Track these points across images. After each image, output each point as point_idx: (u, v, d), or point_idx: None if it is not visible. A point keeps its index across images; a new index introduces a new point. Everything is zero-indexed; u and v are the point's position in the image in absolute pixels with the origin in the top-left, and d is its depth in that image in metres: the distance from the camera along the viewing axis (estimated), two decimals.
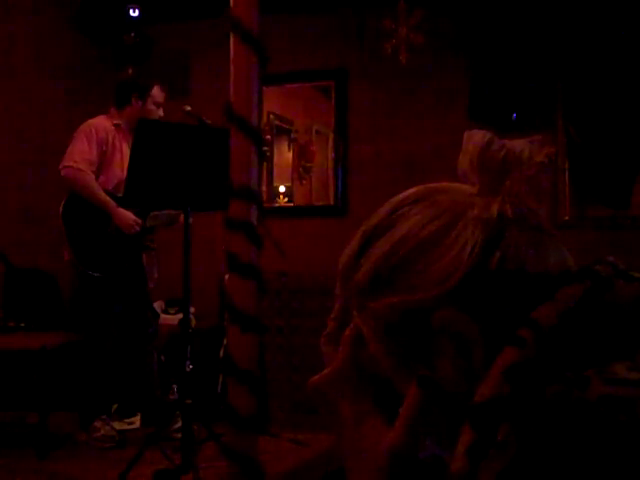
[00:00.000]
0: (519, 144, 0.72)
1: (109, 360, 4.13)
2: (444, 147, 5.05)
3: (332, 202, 5.35)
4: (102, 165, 4.09)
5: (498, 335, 0.65)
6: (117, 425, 4.16)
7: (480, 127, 0.73)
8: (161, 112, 4.20)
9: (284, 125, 5.51)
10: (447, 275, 0.67)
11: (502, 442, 0.60)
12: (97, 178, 4.08)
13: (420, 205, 0.72)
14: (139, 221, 4.03)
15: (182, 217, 4.01)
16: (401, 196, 0.76)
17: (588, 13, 4.44)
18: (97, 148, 4.06)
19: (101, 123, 4.14)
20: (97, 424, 4.06)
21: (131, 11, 5.25)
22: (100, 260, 4.06)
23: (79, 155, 4.02)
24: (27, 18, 5.29)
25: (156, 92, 4.18)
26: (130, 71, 5.31)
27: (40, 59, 5.34)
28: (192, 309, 4.34)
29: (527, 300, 0.66)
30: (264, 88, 5.26)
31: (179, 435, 3.49)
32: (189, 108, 3.94)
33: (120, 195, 4.02)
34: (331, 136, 5.37)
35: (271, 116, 5.44)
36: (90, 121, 4.14)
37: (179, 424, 3.62)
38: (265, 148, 5.20)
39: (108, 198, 4.03)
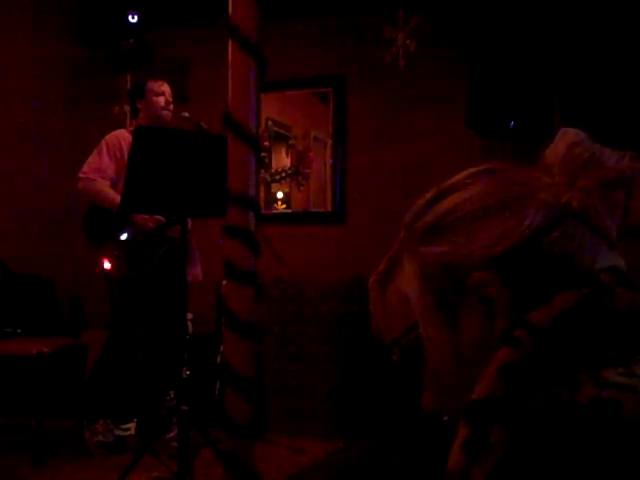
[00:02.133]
0: (608, 152, 0.74)
1: (127, 365, 4.13)
2: (442, 154, 5.06)
3: (330, 209, 5.35)
4: (121, 171, 4.15)
5: (523, 312, 0.67)
6: (116, 432, 4.16)
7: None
8: (168, 97, 4.25)
9: (282, 131, 5.51)
10: (496, 241, 0.70)
11: (494, 442, 0.60)
12: (118, 184, 4.13)
13: (495, 177, 0.76)
14: (155, 216, 4.05)
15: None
16: (482, 166, 0.79)
17: (588, 20, 4.45)
18: (109, 156, 4.17)
19: (114, 134, 4.28)
20: (98, 426, 4.06)
21: (130, 17, 5.25)
22: (128, 260, 4.07)
23: (88, 166, 4.15)
24: (26, 24, 5.29)
25: (151, 85, 4.25)
26: (129, 77, 5.33)
27: (39, 65, 5.34)
28: (189, 315, 4.33)
29: (561, 288, 0.68)
30: (262, 94, 5.24)
31: (175, 444, 3.48)
32: (187, 114, 3.95)
33: None
34: (329, 143, 5.37)
35: (269, 122, 5.45)
36: (104, 137, 4.26)
37: (174, 432, 3.62)
38: (263, 154, 5.20)
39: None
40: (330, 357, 4.70)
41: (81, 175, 4.12)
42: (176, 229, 4.11)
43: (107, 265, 4.01)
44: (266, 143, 5.36)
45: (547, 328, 0.65)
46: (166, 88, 4.27)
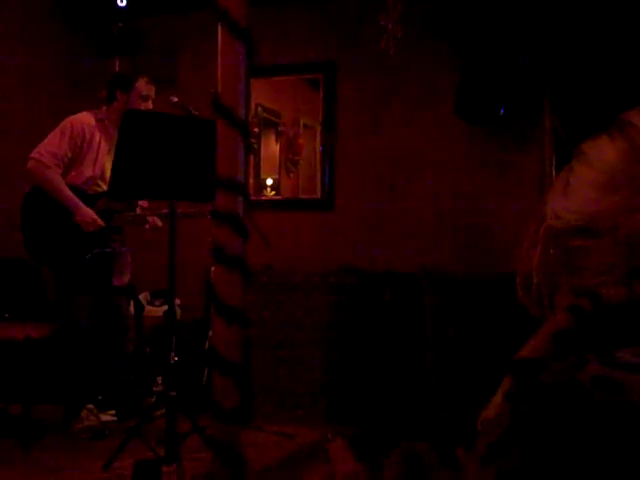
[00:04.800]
0: None
1: (83, 353, 4.12)
2: (431, 141, 5.06)
3: (319, 195, 5.34)
4: (75, 160, 4.10)
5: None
6: (101, 417, 4.16)
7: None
8: (149, 105, 4.17)
9: (272, 118, 5.50)
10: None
11: (499, 414, 0.61)
12: (69, 172, 4.09)
13: None
14: (98, 221, 4.03)
15: (152, 219, 4.06)
16: None
17: (578, 9, 4.45)
18: (69, 143, 4.07)
19: (81, 118, 4.16)
20: (83, 414, 4.07)
21: (118, 1, 5.21)
22: (53, 253, 4.06)
23: (45, 148, 4.04)
24: (15, 6, 5.25)
25: (141, 85, 4.15)
26: (117, 62, 5.29)
27: (27, 48, 5.30)
28: (177, 301, 4.33)
29: None
30: (252, 80, 5.22)
31: (159, 414, 3.49)
32: (176, 99, 3.93)
33: (88, 193, 4.08)
34: (319, 129, 5.36)
35: (259, 108, 5.43)
36: (71, 116, 4.16)
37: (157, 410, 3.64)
38: (252, 140, 5.19)
39: (70, 194, 4.03)
40: (319, 344, 4.71)
41: (35, 156, 4.02)
42: (112, 238, 4.12)
43: None
44: (256, 129, 5.35)
45: (615, 307, 0.64)
46: (153, 93, 4.18)
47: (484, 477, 0.59)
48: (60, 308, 4.22)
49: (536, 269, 0.75)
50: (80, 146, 4.09)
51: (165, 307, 4.24)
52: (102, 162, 4.13)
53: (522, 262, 0.77)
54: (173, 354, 3.54)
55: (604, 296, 0.65)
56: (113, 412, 4.27)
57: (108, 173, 3.98)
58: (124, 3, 5.23)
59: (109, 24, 5.30)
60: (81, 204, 4.02)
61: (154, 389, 4.49)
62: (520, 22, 4.54)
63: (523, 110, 4.75)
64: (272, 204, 5.37)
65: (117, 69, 5.31)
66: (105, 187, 4.10)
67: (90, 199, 4.07)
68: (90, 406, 4.09)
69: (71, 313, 4.12)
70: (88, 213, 4.02)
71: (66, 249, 4.05)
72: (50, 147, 4.04)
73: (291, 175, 5.48)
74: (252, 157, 5.29)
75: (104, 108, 4.23)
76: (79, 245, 4.04)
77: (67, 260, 4.05)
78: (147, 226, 4.15)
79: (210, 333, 4.61)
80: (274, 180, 5.48)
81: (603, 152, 0.73)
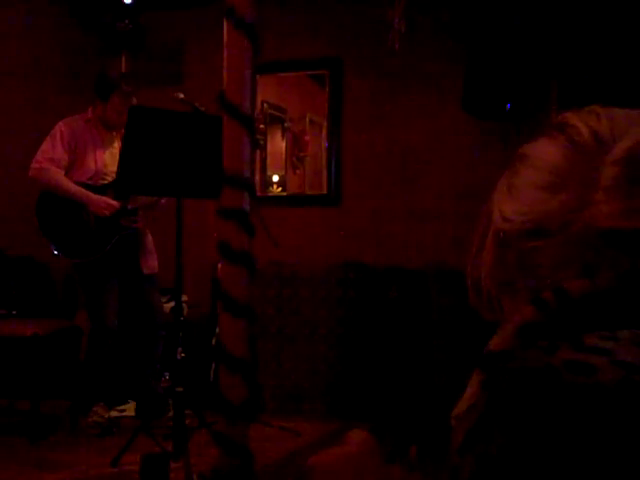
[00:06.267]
0: None
1: (106, 352, 4.13)
2: (438, 136, 5.05)
3: (325, 191, 5.34)
4: (76, 160, 4.17)
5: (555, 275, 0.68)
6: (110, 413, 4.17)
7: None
8: (123, 118, 4.03)
9: (278, 114, 5.49)
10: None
11: (476, 401, 0.62)
12: (73, 172, 4.15)
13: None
14: (112, 203, 4.06)
15: (164, 199, 4.08)
16: None
17: (585, 6, 4.44)
18: (63, 146, 4.15)
19: (69, 122, 4.23)
20: (91, 410, 4.08)
21: None
22: (79, 247, 4.08)
23: (41, 155, 4.14)
24: (17, 4, 5.25)
25: (115, 100, 4.15)
26: (123, 58, 5.30)
27: (33, 45, 5.31)
28: (184, 297, 4.34)
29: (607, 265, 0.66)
30: (258, 77, 5.23)
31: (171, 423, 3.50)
32: (182, 95, 3.93)
33: (97, 185, 4.13)
34: (325, 125, 5.36)
35: (265, 105, 5.43)
36: (59, 122, 4.24)
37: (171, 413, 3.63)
38: (259, 136, 5.19)
39: (77, 188, 4.10)
40: (325, 339, 4.71)
41: (35, 165, 4.11)
42: (132, 219, 4.13)
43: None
44: (262, 126, 5.35)
45: (579, 299, 0.65)
46: (127, 108, 4.07)
47: (463, 465, 0.60)
48: (86, 307, 4.24)
49: (487, 273, 0.76)
50: (75, 146, 4.16)
51: (172, 303, 4.25)
52: (102, 158, 4.19)
53: (472, 265, 0.78)
54: (180, 350, 3.55)
55: (568, 290, 0.66)
56: (122, 408, 4.29)
57: (109, 167, 4.12)
58: (130, 0, 5.23)
59: (114, 20, 5.30)
60: (91, 194, 4.08)
61: (162, 385, 4.50)
62: (527, 16, 4.52)
63: (530, 106, 4.73)
64: (278, 200, 5.37)
65: (123, 65, 5.33)
66: (110, 179, 4.14)
67: (98, 190, 4.11)
68: (101, 403, 4.11)
69: (96, 311, 4.14)
70: (100, 199, 4.08)
71: (87, 243, 4.08)
72: (46, 154, 4.14)
73: (297, 171, 5.48)
74: (258, 153, 5.29)
75: (90, 109, 4.27)
76: (99, 236, 4.08)
77: (90, 253, 4.08)
78: (163, 201, 4.16)
79: (217, 329, 4.62)
80: (280, 176, 5.48)
81: (546, 153, 0.74)
